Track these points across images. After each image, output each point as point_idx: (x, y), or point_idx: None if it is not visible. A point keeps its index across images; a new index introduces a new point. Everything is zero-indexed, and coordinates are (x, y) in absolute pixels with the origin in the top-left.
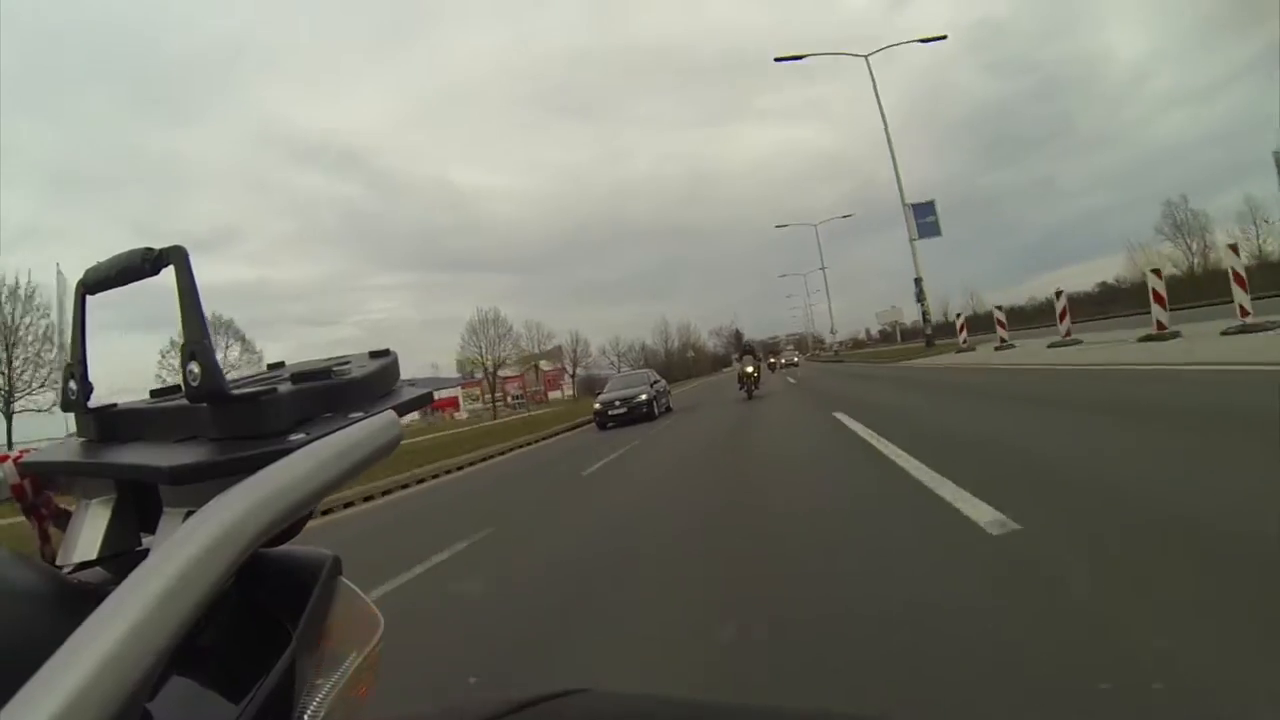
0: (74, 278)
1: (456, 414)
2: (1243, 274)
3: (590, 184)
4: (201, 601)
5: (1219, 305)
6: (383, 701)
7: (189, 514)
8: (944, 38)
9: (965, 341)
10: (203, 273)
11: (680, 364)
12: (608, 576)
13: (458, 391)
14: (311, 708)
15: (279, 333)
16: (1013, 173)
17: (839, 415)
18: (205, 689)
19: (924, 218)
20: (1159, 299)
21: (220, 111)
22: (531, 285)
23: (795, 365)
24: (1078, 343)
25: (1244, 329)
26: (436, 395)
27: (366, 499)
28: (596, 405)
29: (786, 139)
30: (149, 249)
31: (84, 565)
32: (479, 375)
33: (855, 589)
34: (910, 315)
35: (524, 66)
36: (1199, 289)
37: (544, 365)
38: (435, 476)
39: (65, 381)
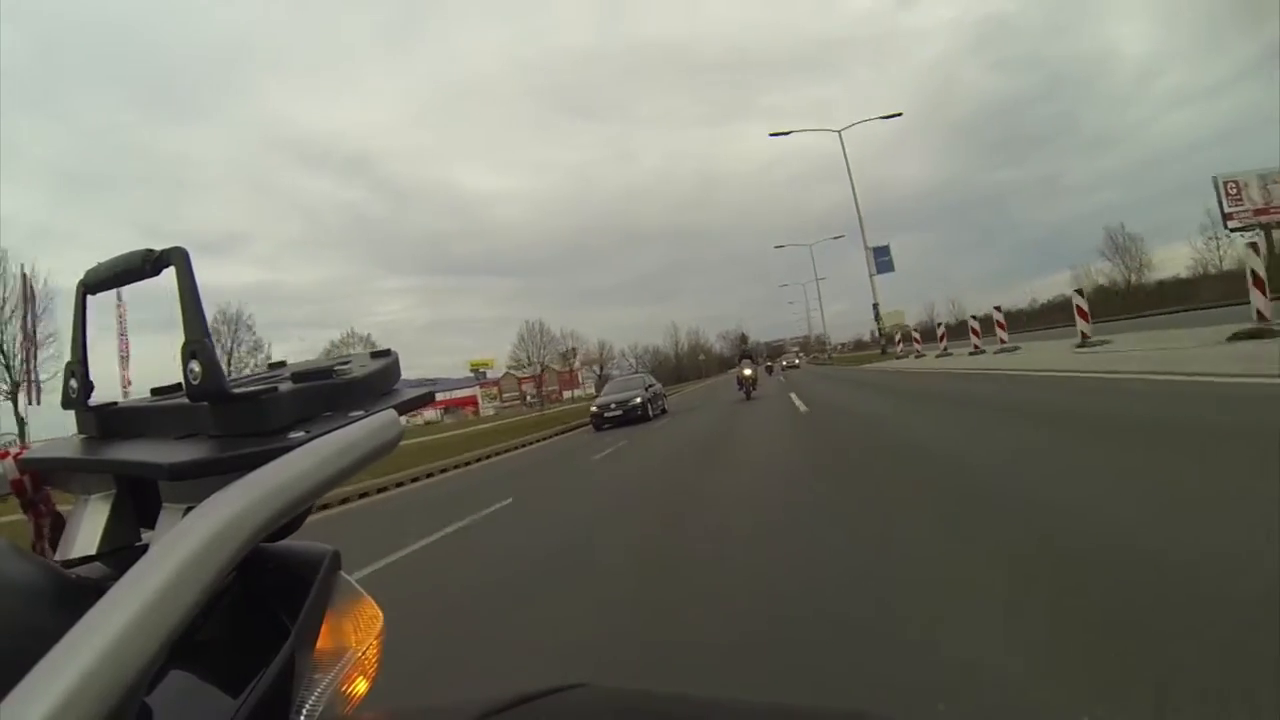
0: (75, 281)
1: (473, 412)
2: (1262, 275)
3: (595, 187)
4: (201, 596)
5: (1146, 317)
6: (383, 696)
7: (188, 510)
8: (899, 114)
9: (917, 349)
10: (211, 275)
11: (691, 366)
12: (613, 510)
13: (477, 391)
14: (310, 701)
15: (286, 335)
16: (1016, 172)
17: (791, 395)
18: (204, 683)
19: (881, 258)
20: (1083, 314)
21: (229, 113)
22: (537, 288)
23: (796, 367)
24: (983, 352)
25: (1255, 333)
26: (458, 395)
27: (398, 484)
28: (593, 408)
29: (792, 139)
30: (149, 250)
31: (83, 560)
32: (523, 374)
33: (756, 434)
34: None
35: (531, 67)
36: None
37: (575, 365)
38: (456, 467)
39: (66, 380)
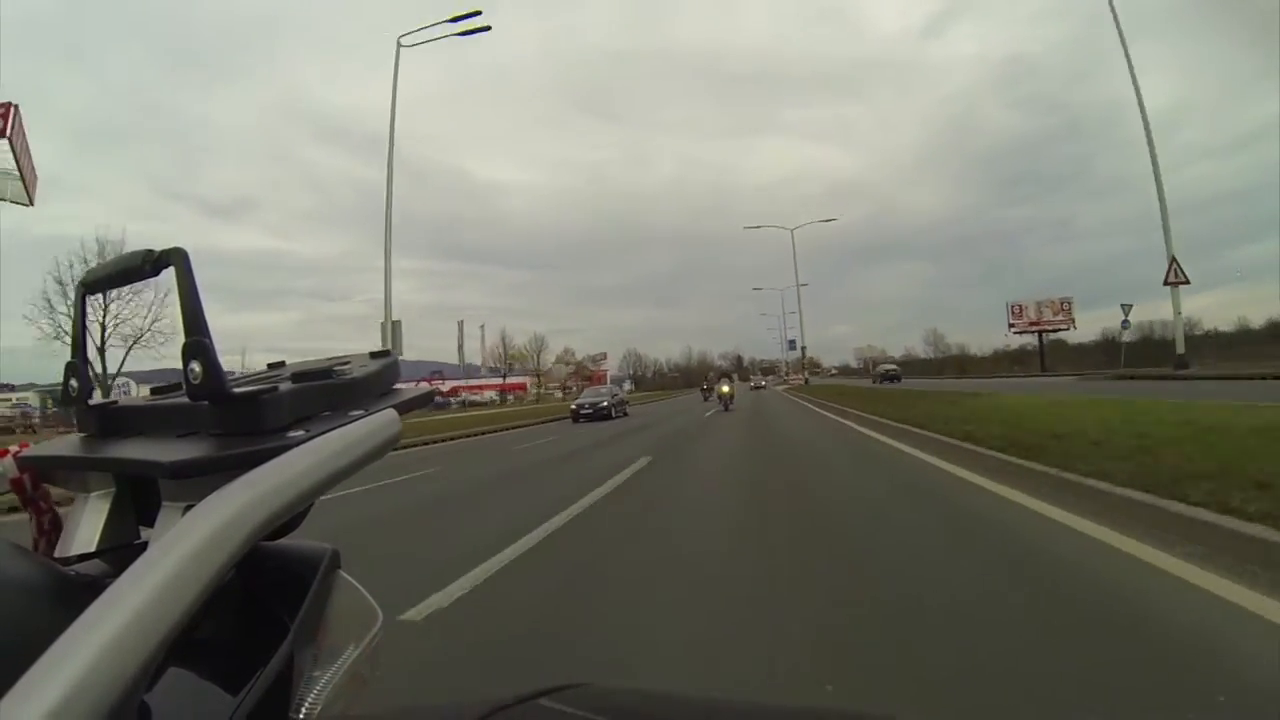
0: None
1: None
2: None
3: (609, 187)
4: (200, 594)
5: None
6: (385, 696)
7: (188, 508)
8: (835, 219)
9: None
10: (220, 239)
11: (699, 375)
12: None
13: (526, 379)
14: (309, 700)
15: (290, 304)
16: (1026, 210)
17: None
18: (203, 681)
19: (794, 348)
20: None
21: (251, 78)
22: (543, 281)
23: (763, 388)
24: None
25: None
26: (511, 380)
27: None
28: (572, 406)
29: (809, 157)
30: (149, 250)
31: (83, 557)
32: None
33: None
34: (889, 349)
35: (560, 63)
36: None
37: (603, 367)
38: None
39: (66, 379)
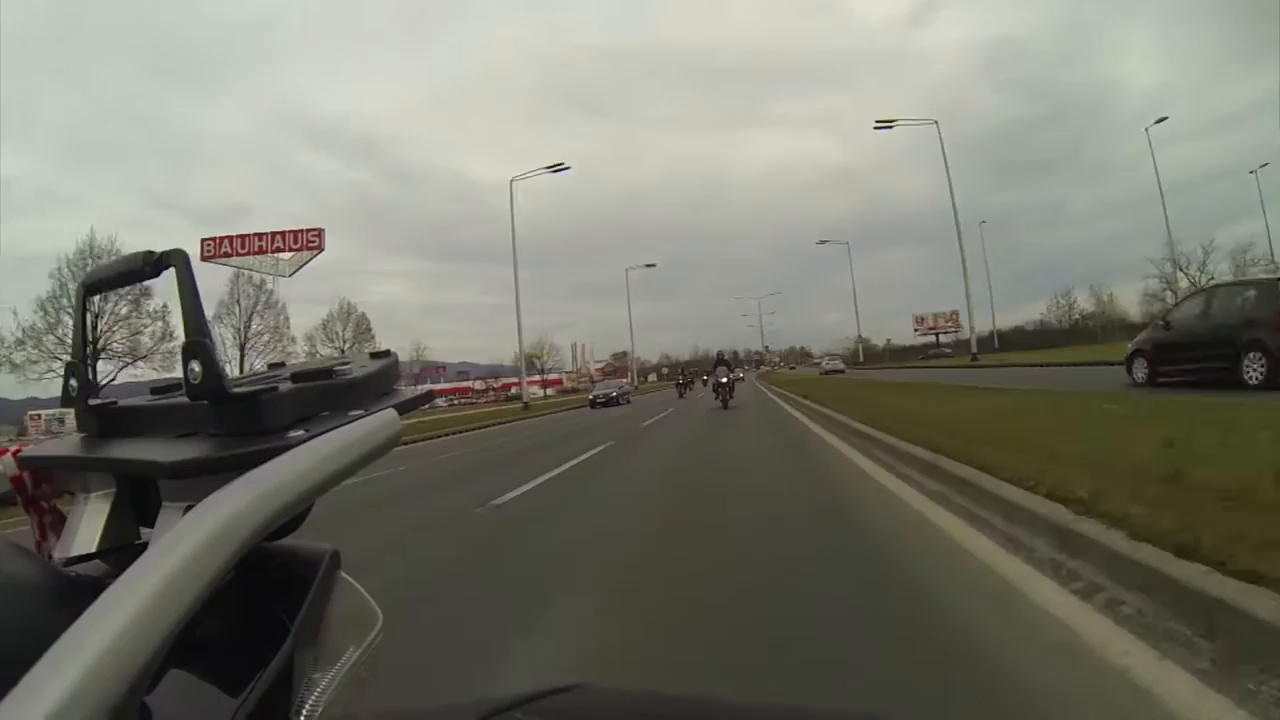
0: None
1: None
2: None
3: (600, 184)
4: (201, 595)
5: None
6: (385, 695)
7: (188, 508)
8: (779, 293)
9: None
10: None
11: (704, 367)
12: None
13: (563, 376)
14: (310, 702)
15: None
16: (1017, 195)
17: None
18: (204, 682)
19: (769, 350)
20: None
21: (241, 86)
22: (538, 278)
23: (740, 380)
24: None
25: None
26: (550, 375)
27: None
28: (589, 396)
29: (798, 149)
30: (149, 252)
31: (83, 558)
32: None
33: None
34: (873, 337)
35: (547, 62)
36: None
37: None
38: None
39: (66, 378)
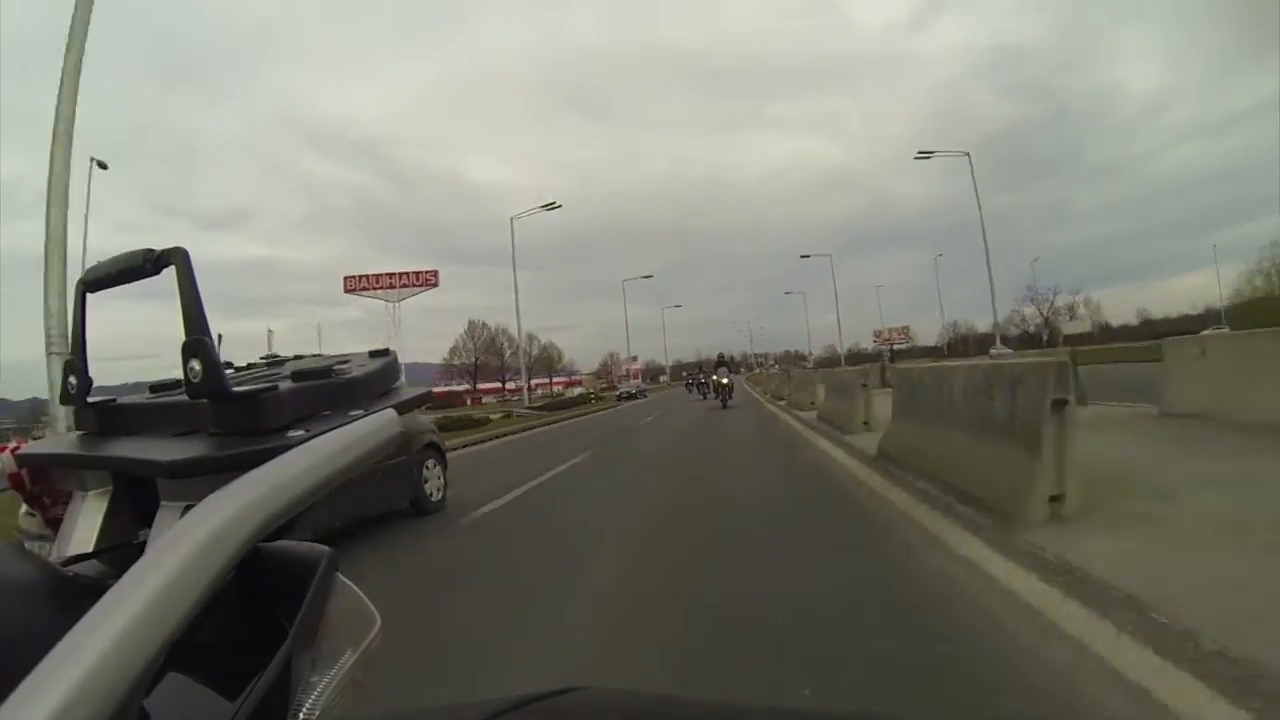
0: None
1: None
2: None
3: (602, 186)
4: (200, 597)
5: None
6: (385, 698)
7: (187, 508)
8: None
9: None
10: (215, 249)
11: (707, 371)
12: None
13: (582, 376)
14: (308, 704)
15: (288, 310)
16: (1018, 196)
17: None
18: (202, 685)
19: (761, 357)
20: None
21: (243, 91)
22: (540, 280)
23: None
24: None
25: None
26: (568, 376)
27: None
28: (617, 393)
29: (800, 148)
30: (150, 250)
31: (81, 557)
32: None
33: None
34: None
35: (548, 64)
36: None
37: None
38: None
39: (65, 377)
